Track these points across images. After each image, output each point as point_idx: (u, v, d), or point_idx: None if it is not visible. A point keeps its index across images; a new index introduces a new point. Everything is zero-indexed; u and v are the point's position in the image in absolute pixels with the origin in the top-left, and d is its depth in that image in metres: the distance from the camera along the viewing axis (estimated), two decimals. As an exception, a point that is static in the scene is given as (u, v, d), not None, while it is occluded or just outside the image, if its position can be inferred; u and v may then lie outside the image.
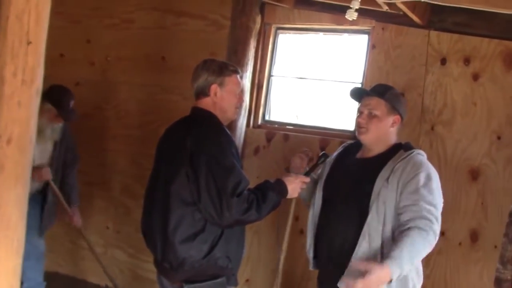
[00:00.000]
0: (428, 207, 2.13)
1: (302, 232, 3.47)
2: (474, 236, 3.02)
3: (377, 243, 2.18)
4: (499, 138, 2.98)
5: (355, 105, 3.42)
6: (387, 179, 2.20)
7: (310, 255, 2.44)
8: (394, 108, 2.33)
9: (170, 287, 2.24)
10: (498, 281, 2.51)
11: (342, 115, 3.56)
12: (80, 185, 3.83)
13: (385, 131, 2.34)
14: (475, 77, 3.04)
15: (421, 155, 2.32)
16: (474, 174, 3.02)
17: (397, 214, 2.18)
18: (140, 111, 4.02)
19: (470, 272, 3.01)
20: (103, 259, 4.15)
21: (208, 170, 2.05)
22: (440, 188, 2.28)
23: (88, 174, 4.14)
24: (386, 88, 2.39)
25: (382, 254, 2.15)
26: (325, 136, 3.46)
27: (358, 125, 2.36)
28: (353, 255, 2.20)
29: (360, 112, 2.37)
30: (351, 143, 2.59)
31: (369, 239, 2.18)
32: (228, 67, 2.31)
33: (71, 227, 3.67)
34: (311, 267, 2.47)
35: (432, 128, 3.13)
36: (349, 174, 2.39)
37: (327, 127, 3.57)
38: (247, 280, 3.60)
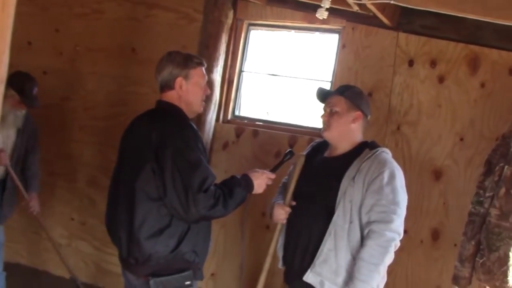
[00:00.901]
0: (390, 206, 2.19)
1: (268, 227, 3.50)
2: (435, 235, 3.10)
3: (342, 240, 2.23)
4: (461, 139, 3.07)
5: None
6: (353, 178, 2.25)
7: (280, 253, 2.48)
8: (354, 104, 2.40)
9: (135, 281, 2.21)
10: (456, 278, 2.58)
11: (312, 113, 3.59)
12: (45, 176, 3.77)
13: (347, 128, 2.40)
14: (441, 79, 3.12)
15: (386, 153, 2.37)
16: (437, 174, 3.10)
17: (361, 212, 2.23)
18: (108, 103, 3.96)
19: (431, 269, 3.09)
20: (67, 251, 4.11)
21: (174, 165, 2.03)
22: (404, 186, 2.34)
23: (53, 164, 4.07)
24: (346, 87, 2.48)
25: (351, 252, 2.22)
26: (294, 133, 3.49)
27: (322, 123, 2.44)
28: (319, 251, 2.25)
29: (324, 110, 2.45)
30: (319, 142, 2.63)
31: (335, 236, 2.23)
32: (193, 59, 2.28)
33: (28, 214, 3.60)
34: (279, 265, 2.50)
35: (398, 128, 3.20)
36: (316, 172, 2.44)
37: (296, 124, 3.60)
38: (212, 274, 3.61)
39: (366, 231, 2.20)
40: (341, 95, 2.40)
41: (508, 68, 2.95)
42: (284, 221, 2.44)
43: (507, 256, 2.40)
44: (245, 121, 3.71)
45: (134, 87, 3.86)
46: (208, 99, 2.90)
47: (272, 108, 3.83)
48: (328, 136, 2.42)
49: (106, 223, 2.33)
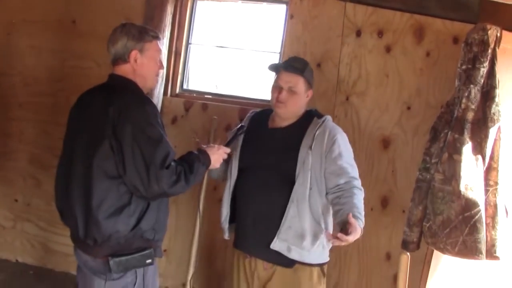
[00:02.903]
0: (353, 169, 2.35)
1: (220, 201, 3.48)
2: (384, 202, 3.18)
3: (304, 205, 2.32)
4: (408, 108, 3.13)
5: (273, 75, 3.46)
6: (311, 146, 2.33)
7: (226, 225, 2.53)
8: (309, 83, 2.46)
9: (92, 262, 2.13)
10: (405, 243, 2.67)
11: (261, 85, 3.57)
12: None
13: (301, 105, 2.47)
14: (388, 49, 3.16)
15: (330, 120, 2.48)
16: (386, 143, 3.16)
17: (326, 177, 2.33)
18: (49, 78, 3.78)
19: (381, 236, 3.18)
20: (11, 233, 3.96)
21: (134, 141, 1.96)
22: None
23: (-7, 144, 3.89)
24: (304, 64, 2.46)
25: (313, 216, 2.32)
26: (244, 105, 3.46)
27: (277, 99, 2.41)
28: (283, 219, 2.33)
29: (279, 87, 2.42)
30: (256, 113, 2.66)
31: (297, 203, 2.32)
32: (148, 32, 2.20)
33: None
34: (226, 236, 2.55)
35: (347, 99, 3.23)
36: (267, 144, 2.46)
37: (246, 96, 3.57)
38: (165, 250, 3.57)
39: (338, 190, 2.28)
40: (301, 75, 2.41)
41: (452, 37, 3.02)
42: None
43: (450, 219, 2.49)
44: (194, 95, 3.65)
45: (76, 61, 3.70)
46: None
47: (221, 80, 3.78)
48: (283, 112, 2.44)
49: (57, 204, 2.23)
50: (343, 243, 2.03)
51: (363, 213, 2.21)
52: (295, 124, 2.45)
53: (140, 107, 2.02)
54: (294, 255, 2.34)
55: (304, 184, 2.31)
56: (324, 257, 2.44)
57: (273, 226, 2.35)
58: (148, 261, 2.12)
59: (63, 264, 3.83)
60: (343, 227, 2.10)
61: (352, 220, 2.05)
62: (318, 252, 2.38)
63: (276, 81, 2.47)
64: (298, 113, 2.48)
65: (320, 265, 2.42)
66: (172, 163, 2.01)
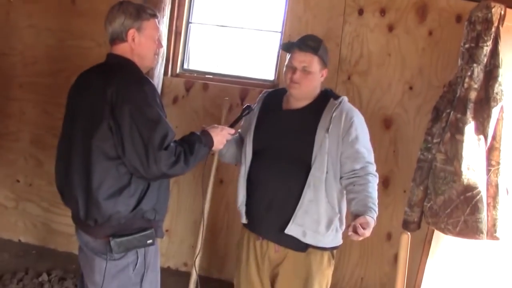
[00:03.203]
0: (369, 153, 2.31)
1: (221, 181, 3.49)
2: (385, 182, 3.18)
3: (321, 190, 2.28)
4: (411, 88, 3.11)
5: (275, 54, 3.43)
6: (327, 129, 2.27)
7: (243, 208, 2.45)
8: (324, 62, 2.36)
9: (93, 243, 2.13)
10: (406, 223, 2.67)
11: (262, 65, 3.55)
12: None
13: (316, 85, 2.38)
14: (390, 28, 3.12)
15: (347, 101, 2.40)
16: (387, 123, 3.15)
17: (342, 162, 2.28)
18: (49, 58, 3.76)
19: (381, 216, 3.14)
20: (14, 214, 3.98)
21: (132, 122, 1.93)
22: None
23: (-7, 124, 3.89)
24: (318, 43, 2.35)
25: (329, 200, 2.29)
26: (245, 85, 3.44)
27: (291, 80, 2.33)
28: (299, 203, 2.28)
29: (293, 67, 2.34)
30: (269, 93, 2.58)
31: (314, 188, 2.27)
32: (146, 10, 2.16)
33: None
34: (243, 220, 2.46)
35: (349, 78, 3.21)
36: (282, 126, 2.39)
37: (247, 76, 3.54)
38: (166, 230, 3.59)
39: (354, 175, 2.25)
40: (315, 54, 2.31)
41: (455, 15, 2.98)
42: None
43: (451, 199, 2.49)
44: (195, 75, 3.63)
45: (75, 41, 3.67)
46: (156, 52, 2.79)
47: (222, 60, 3.75)
48: (297, 93, 2.36)
49: (58, 185, 2.21)
50: (360, 238, 2.08)
51: (376, 202, 2.19)
52: (311, 106, 2.37)
53: (138, 88, 2.00)
54: (308, 239, 2.30)
55: (320, 169, 2.26)
56: (337, 241, 2.40)
57: (288, 210, 2.31)
58: (149, 241, 2.12)
59: (65, 244, 3.85)
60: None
61: (364, 220, 2.08)
62: (332, 236, 2.34)
63: (289, 61, 2.37)
64: (313, 94, 2.39)
65: (333, 249, 2.40)
66: (172, 144, 1.99)
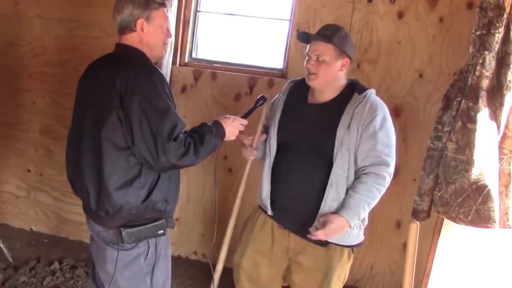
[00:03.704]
0: (385, 150, 2.25)
1: (230, 170, 3.49)
2: (395, 171, 3.13)
3: (343, 188, 2.27)
4: (421, 76, 3.09)
5: (283, 43, 3.41)
6: (349, 126, 2.24)
7: (268, 201, 2.42)
8: (342, 51, 2.30)
9: (104, 233, 2.14)
10: (415, 212, 2.66)
11: (271, 53, 3.53)
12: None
13: (335, 76, 2.32)
14: (400, 15, 3.09)
15: (373, 94, 2.35)
16: (397, 111, 3.13)
17: (357, 157, 2.26)
18: (58, 48, 3.76)
19: (391, 204, 3.18)
20: (25, 203, 4.01)
21: (141, 112, 1.92)
22: (393, 124, 2.36)
23: (4, 114, 3.91)
24: (333, 31, 2.31)
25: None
26: (253, 74, 3.43)
27: (307, 70, 2.31)
28: (323, 202, 2.27)
29: (308, 57, 2.32)
30: (295, 83, 2.52)
31: (336, 186, 2.26)
32: None
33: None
34: (269, 212, 2.43)
35: (358, 66, 3.18)
36: (307, 121, 2.36)
37: (255, 65, 3.53)
38: (176, 219, 3.60)
39: (361, 172, 2.26)
40: (329, 42, 2.27)
41: (467, 1, 2.95)
42: (251, 158, 2.47)
43: (463, 188, 2.47)
44: (203, 63, 3.62)
45: (84, 30, 3.67)
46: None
47: (230, 49, 3.74)
48: (315, 84, 2.32)
49: (68, 175, 2.22)
50: (313, 237, 2.21)
51: (366, 205, 2.23)
52: (335, 100, 2.34)
53: (147, 78, 1.99)
54: (333, 238, 2.28)
55: (342, 166, 2.25)
56: (360, 237, 2.40)
57: (311, 207, 2.29)
58: (160, 231, 2.12)
59: (76, 232, 3.89)
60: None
61: (325, 218, 2.20)
62: (355, 233, 2.34)
63: (306, 52, 2.34)
64: (336, 86, 2.34)
65: (355, 246, 2.40)
66: (181, 135, 1.98)
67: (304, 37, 2.38)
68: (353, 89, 2.34)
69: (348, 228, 2.25)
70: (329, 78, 2.30)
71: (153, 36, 2.14)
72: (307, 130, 2.33)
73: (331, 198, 2.26)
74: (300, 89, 2.45)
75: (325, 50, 2.27)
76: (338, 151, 2.24)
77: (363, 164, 2.25)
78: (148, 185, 2.05)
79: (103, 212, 2.05)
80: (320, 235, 2.20)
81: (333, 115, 2.28)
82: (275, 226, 2.45)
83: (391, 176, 2.30)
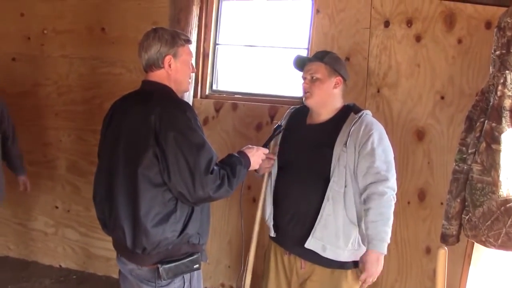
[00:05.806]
0: (383, 166, 2.29)
1: (254, 200, 3.48)
2: (421, 195, 3.11)
3: (339, 204, 2.31)
4: (442, 98, 3.06)
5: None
6: (345, 143, 2.31)
7: (271, 222, 2.50)
8: (334, 70, 2.43)
9: (138, 270, 2.12)
10: (444, 237, 2.60)
11: (290, 82, 3.55)
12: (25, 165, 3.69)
13: (329, 93, 2.43)
14: (418, 38, 3.09)
15: (369, 115, 2.43)
16: (420, 135, 3.10)
17: (357, 175, 2.31)
18: (82, 86, 3.86)
19: (419, 230, 3.12)
20: (54, 239, 4.06)
21: (177, 148, 1.93)
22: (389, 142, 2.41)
23: (32, 153, 3.99)
24: (324, 53, 2.49)
25: (347, 214, 2.32)
26: (274, 103, 3.45)
27: (303, 90, 2.45)
28: (319, 217, 2.32)
29: (303, 78, 2.46)
30: (296, 109, 2.65)
31: (332, 201, 2.31)
32: (180, 36, 2.18)
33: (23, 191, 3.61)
34: (272, 234, 2.50)
35: (378, 91, 3.18)
36: (304, 140, 2.44)
37: (276, 94, 3.55)
38: (203, 251, 3.60)
39: (364, 195, 2.29)
40: (320, 62, 2.41)
41: (484, 22, 2.93)
42: (269, 170, 2.52)
43: (491, 211, 2.41)
44: (224, 95, 3.66)
45: (106, 68, 3.76)
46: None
47: (250, 79, 3.77)
48: (311, 103, 2.44)
49: (99, 215, 2.20)
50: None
51: (382, 228, 2.25)
52: (331, 120, 2.43)
53: (180, 113, 2.00)
54: (329, 254, 2.33)
55: (339, 182, 2.30)
56: (359, 254, 2.39)
57: (309, 224, 2.35)
58: (196, 266, 2.11)
59: (104, 268, 3.91)
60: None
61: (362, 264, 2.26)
62: (352, 250, 2.37)
63: (302, 75, 2.49)
64: (332, 106, 2.44)
65: (354, 263, 2.41)
66: (215, 167, 1.99)
67: (299, 63, 2.52)
68: (349, 110, 2.43)
69: (384, 255, 2.28)
70: (323, 96, 2.41)
71: (180, 72, 2.17)
72: (305, 149, 2.41)
73: (327, 212, 2.31)
74: (300, 113, 2.57)
75: (318, 68, 2.42)
76: (335, 167, 2.30)
77: (364, 183, 2.29)
78: (183, 219, 2.05)
79: (140, 249, 2.03)
80: (364, 278, 2.27)
81: (330, 133, 2.36)
82: (279, 253, 2.51)
83: (395, 190, 2.32)
